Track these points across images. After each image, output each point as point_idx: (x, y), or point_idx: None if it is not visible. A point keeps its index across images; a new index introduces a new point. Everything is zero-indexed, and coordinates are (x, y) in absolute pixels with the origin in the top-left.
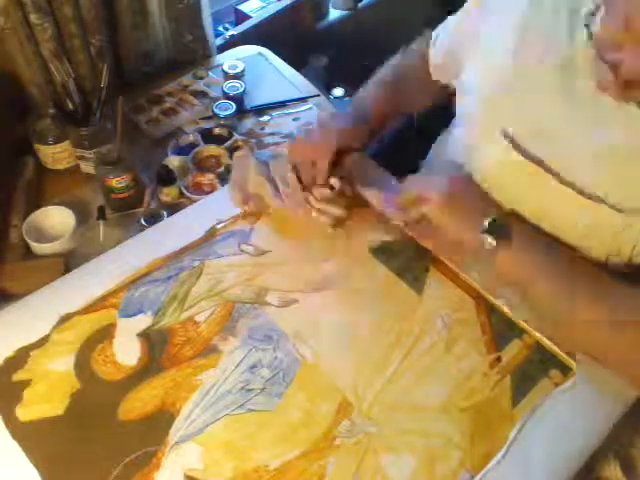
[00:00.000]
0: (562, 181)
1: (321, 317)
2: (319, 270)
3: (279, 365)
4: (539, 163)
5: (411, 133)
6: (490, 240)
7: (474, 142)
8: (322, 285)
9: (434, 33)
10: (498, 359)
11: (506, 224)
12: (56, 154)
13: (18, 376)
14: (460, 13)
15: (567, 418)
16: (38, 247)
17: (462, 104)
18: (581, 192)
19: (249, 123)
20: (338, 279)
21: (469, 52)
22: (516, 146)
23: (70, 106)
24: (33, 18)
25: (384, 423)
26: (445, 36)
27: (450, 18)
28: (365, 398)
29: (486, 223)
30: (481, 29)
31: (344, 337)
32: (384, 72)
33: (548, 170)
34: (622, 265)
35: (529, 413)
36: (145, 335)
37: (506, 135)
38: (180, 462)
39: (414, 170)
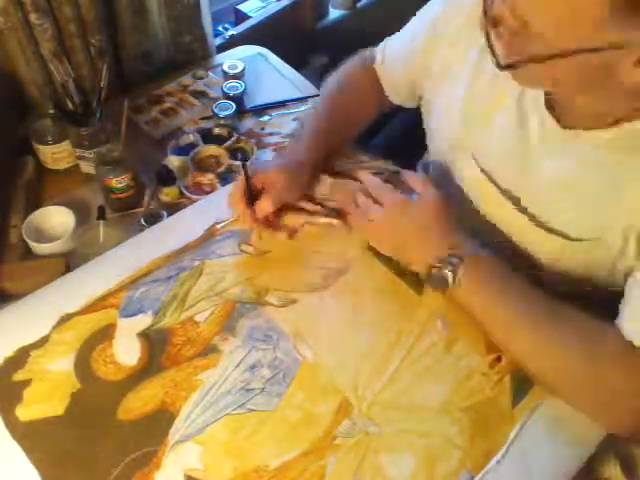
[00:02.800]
0: (525, 212)
1: (321, 317)
2: (319, 270)
3: (279, 365)
4: (504, 192)
5: (410, 133)
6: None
7: (448, 158)
8: (322, 285)
9: (379, 51)
10: (498, 359)
11: (441, 276)
12: (56, 154)
13: (18, 376)
14: (410, 39)
15: (567, 418)
16: (38, 247)
17: (429, 123)
18: (541, 225)
19: (249, 123)
20: (338, 279)
21: (426, 84)
22: (484, 172)
23: (70, 106)
24: (33, 18)
25: (384, 423)
26: (397, 60)
27: (397, 40)
28: (365, 398)
29: (431, 268)
30: (433, 67)
31: (344, 337)
32: (329, 90)
33: (511, 200)
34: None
35: (529, 413)
36: (145, 335)
37: (475, 159)
38: (180, 462)
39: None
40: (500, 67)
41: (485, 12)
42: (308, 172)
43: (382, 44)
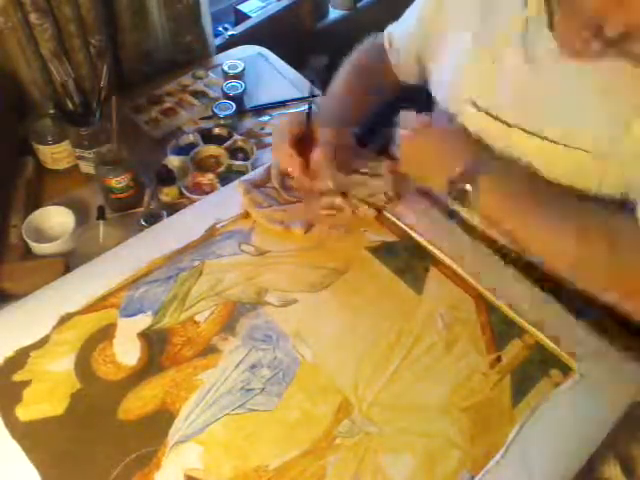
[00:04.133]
0: (540, 136)
1: (321, 317)
2: (319, 270)
3: (279, 365)
4: (513, 126)
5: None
6: (455, 203)
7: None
8: (322, 285)
9: (386, 35)
10: (498, 359)
11: (465, 191)
12: (56, 154)
13: (18, 376)
14: (417, 14)
15: (567, 418)
16: (38, 247)
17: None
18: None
19: (249, 123)
20: (338, 279)
21: (435, 54)
22: (489, 114)
23: (70, 106)
24: (33, 18)
25: (384, 423)
26: (403, 40)
27: (404, 20)
28: (365, 398)
29: (450, 188)
30: (446, 29)
31: (344, 337)
32: (348, 71)
33: (524, 130)
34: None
35: (529, 413)
36: (145, 335)
37: (474, 104)
38: (180, 462)
39: None
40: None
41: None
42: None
43: (387, 30)
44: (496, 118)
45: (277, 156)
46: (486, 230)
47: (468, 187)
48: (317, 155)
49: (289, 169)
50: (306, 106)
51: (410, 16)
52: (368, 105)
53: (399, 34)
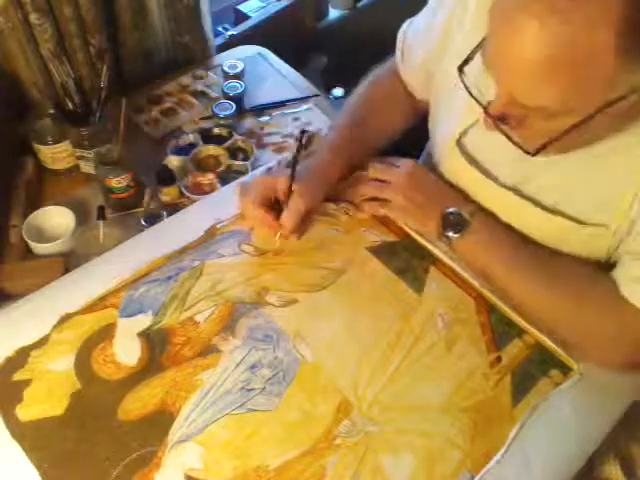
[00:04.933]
0: (528, 198)
1: (321, 317)
2: (319, 270)
3: (279, 365)
4: (502, 185)
5: (407, 135)
6: (448, 233)
7: (440, 155)
8: (322, 285)
9: (398, 50)
10: (498, 359)
11: (461, 215)
12: (56, 154)
13: (18, 376)
14: (426, 25)
15: (567, 418)
16: (38, 247)
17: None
18: (538, 204)
19: (249, 123)
20: (338, 279)
21: (437, 75)
22: (466, 155)
23: (70, 106)
24: (33, 18)
25: (384, 423)
26: (416, 52)
27: (414, 32)
28: (365, 398)
29: (444, 214)
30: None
31: (344, 337)
32: (354, 106)
33: (513, 190)
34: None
35: (529, 413)
36: (145, 335)
37: (459, 146)
38: (180, 462)
39: None
40: (531, 154)
41: (488, 114)
42: (332, 182)
43: (400, 34)
44: (483, 171)
45: (246, 215)
46: None
47: (465, 214)
48: (287, 222)
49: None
50: (289, 170)
51: (424, 17)
52: (375, 142)
53: (409, 41)
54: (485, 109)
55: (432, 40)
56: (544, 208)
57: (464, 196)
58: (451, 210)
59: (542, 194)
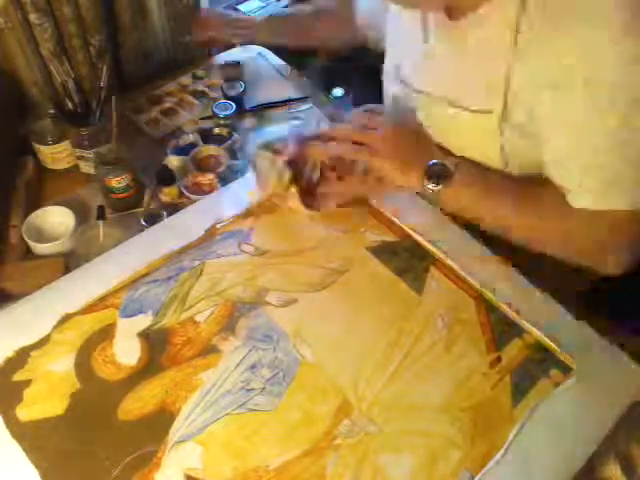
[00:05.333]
0: (438, 101)
1: (321, 317)
2: (319, 270)
3: (279, 365)
4: (417, 92)
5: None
6: (431, 185)
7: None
8: (322, 285)
9: None
10: (498, 359)
11: (444, 166)
12: (56, 154)
13: (18, 376)
14: None
15: (567, 418)
16: (38, 247)
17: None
18: (451, 103)
19: (249, 123)
20: (338, 279)
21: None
22: (405, 83)
23: (70, 106)
24: (33, 18)
25: (384, 423)
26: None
27: None
28: (365, 398)
29: (427, 167)
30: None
31: (344, 337)
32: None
33: (425, 94)
34: None
35: (529, 413)
36: (145, 335)
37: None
38: (180, 462)
39: None
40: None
41: None
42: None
43: None
44: (409, 86)
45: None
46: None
47: (449, 165)
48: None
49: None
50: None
51: None
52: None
53: None
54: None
55: None
56: (452, 104)
57: (446, 150)
58: (435, 161)
59: (447, 92)
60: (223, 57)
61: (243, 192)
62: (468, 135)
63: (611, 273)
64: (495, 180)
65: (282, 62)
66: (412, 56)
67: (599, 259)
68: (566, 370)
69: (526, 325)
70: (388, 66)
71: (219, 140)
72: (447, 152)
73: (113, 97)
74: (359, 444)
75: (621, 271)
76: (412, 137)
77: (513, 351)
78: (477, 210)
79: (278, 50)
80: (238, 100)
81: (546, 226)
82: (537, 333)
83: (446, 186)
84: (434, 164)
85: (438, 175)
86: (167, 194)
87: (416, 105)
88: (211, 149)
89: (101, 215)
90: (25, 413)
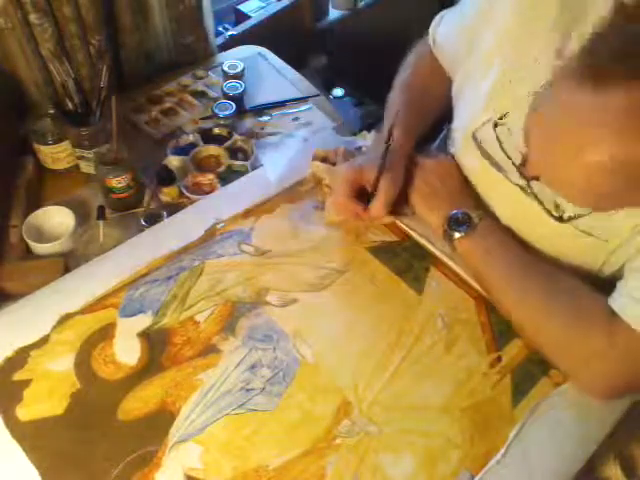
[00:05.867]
0: (527, 194)
1: (321, 317)
2: (319, 270)
3: (279, 365)
4: (498, 168)
5: None
6: (451, 230)
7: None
8: (322, 285)
9: (430, 33)
10: (498, 359)
11: (469, 217)
12: (56, 154)
13: (18, 376)
14: (459, 19)
15: (567, 418)
16: (38, 247)
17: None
18: (543, 205)
19: (249, 123)
20: (338, 279)
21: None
22: (483, 152)
23: (70, 106)
24: (33, 18)
25: (384, 423)
26: (449, 44)
27: (448, 26)
28: (365, 398)
29: (452, 213)
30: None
31: (344, 337)
32: (404, 87)
33: (512, 182)
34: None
35: (529, 413)
36: (145, 335)
37: (474, 138)
38: (180, 462)
39: None
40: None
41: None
42: (401, 170)
43: (434, 22)
44: (495, 165)
45: (338, 209)
46: None
47: (474, 217)
48: (378, 212)
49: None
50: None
51: (456, 10)
52: (425, 121)
53: (443, 28)
54: (519, 168)
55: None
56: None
57: (476, 203)
58: (461, 210)
59: (547, 196)
60: (223, 57)
61: (243, 192)
62: (550, 238)
63: (593, 394)
64: (518, 249)
65: (282, 62)
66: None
67: (589, 374)
68: None
69: None
70: (462, 123)
71: (219, 140)
72: (477, 206)
73: (113, 97)
74: (359, 444)
75: (607, 397)
76: (455, 177)
77: (513, 351)
78: (486, 271)
79: (278, 50)
80: (238, 100)
81: (552, 320)
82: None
83: (465, 236)
84: (459, 212)
85: (461, 223)
86: (167, 194)
87: (496, 183)
88: (211, 149)
89: (101, 215)
90: (25, 413)
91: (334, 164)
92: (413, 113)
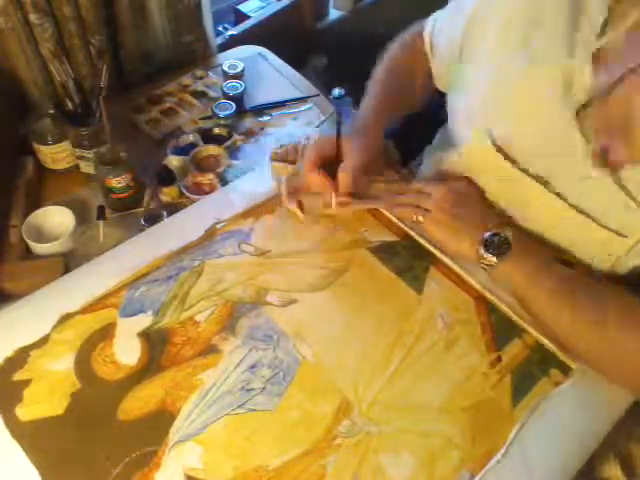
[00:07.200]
0: (550, 190)
1: (321, 317)
2: (319, 270)
3: (279, 365)
4: (524, 171)
5: (419, 117)
6: (488, 256)
7: (463, 138)
8: (322, 285)
9: (427, 38)
10: (498, 359)
11: (505, 238)
12: (56, 154)
13: (18, 376)
14: (458, 18)
15: (567, 418)
16: (38, 247)
17: (455, 100)
18: (567, 202)
19: (249, 123)
20: (338, 279)
21: (469, 56)
22: (499, 149)
23: (70, 106)
24: (33, 18)
25: (384, 423)
26: (444, 46)
27: (443, 23)
28: (365, 398)
29: (485, 237)
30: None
31: (344, 337)
32: (381, 75)
33: (539, 181)
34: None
35: (529, 413)
36: (145, 335)
37: (491, 138)
38: (180, 462)
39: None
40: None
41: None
42: (379, 141)
43: (432, 16)
44: (512, 160)
45: (307, 177)
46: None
47: (509, 237)
48: (343, 179)
49: (314, 188)
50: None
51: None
52: (401, 107)
53: (442, 18)
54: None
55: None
56: (570, 204)
57: (505, 220)
58: (493, 232)
59: (568, 191)
60: (223, 57)
61: (243, 192)
62: (583, 241)
63: None
64: (556, 264)
65: (282, 62)
66: (543, 147)
67: None
68: (566, 370)
69: (526, 325)
70: (477, 124)
71: (219, 140)
72: (503, 220)
73: (100, 97)
74: (359, 444)
75: None
76: (474, 199)
77: (513, 351)
78: (534, 292)
79: (278, 50)
80: (238, 100)
81: (609, 333)
82: (537, 333)
83: (503, 260)
84: (493, 235)
85: (496, 247)
86: (167, 194)
87: (523, 188)
88: (211, 149)
89: (101, 215)
90: (25, 413)
91: (294, 162)
92: (390, 85)
